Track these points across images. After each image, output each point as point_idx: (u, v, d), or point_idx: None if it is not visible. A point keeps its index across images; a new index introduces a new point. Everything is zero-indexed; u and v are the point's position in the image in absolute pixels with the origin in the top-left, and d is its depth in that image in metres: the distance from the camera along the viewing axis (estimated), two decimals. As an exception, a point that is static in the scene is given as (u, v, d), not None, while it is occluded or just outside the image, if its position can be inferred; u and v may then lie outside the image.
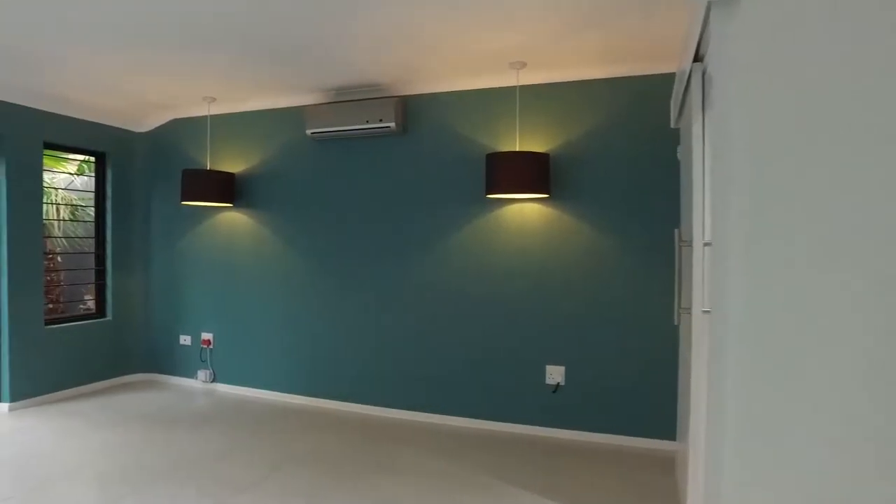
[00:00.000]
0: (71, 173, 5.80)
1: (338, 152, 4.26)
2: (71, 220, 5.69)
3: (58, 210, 5.68)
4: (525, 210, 3.75)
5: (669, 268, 3.14)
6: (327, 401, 4.32)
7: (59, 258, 5.45)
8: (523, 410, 3.77)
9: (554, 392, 3.70)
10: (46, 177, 5.98)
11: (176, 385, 4.89)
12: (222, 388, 4.74)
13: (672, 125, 2.95)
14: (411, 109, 4.03)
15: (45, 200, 5.76)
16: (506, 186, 3.42)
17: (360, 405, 4.22)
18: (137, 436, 3.64)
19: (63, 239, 5.59)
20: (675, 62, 2.82)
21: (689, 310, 2.06)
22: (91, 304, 4.97)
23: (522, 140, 3.70)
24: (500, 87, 3.76)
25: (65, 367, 4.50)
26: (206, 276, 4.79)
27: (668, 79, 3.07)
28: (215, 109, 4.60)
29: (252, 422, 3.96)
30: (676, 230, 2.47)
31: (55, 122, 4.39)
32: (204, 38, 3.10)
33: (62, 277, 5.65)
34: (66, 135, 4.49)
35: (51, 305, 5.53)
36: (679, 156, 2.94)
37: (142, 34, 3.03)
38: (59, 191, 5.89)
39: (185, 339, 4.90)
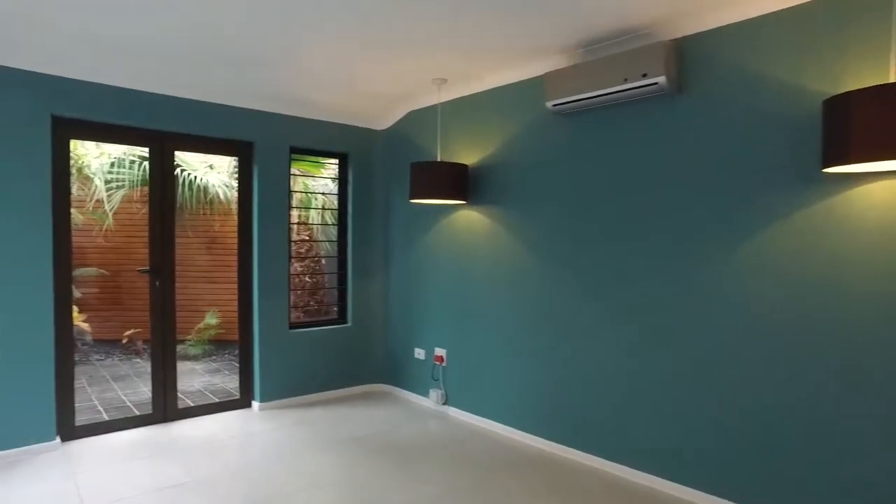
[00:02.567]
0: (332, 178, 6.00)
1: (587, 128, 3.28)
2: (319, 224, 5.87)
3: (307, 215, 5.92)
4: (900, 191, 2.23)
5: None
6: (571, 450, 3.36)
7: (310, 262, 5.64)
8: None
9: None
10: (305, 182, 6.38)
11: (409, 402, 4.50)
12: (454, 413, 4.16)
13: None
14: (689, 56, 2.83)
15: (299, 205, 6.20)
16: (869, 149, 2.00)
17: (616, 465, 3.15)
18: (363, 467, 3.22)
19: (317, 242, 5.79)
20: None
21: None
22: (335, 310, 4.91)
23: (896, 74, 2.18)
24: (848, -4, 2.32)
25: (307, 372, 4.45)
26: (439, 285, 4.28)
27: None
28: (446, 94, 4.05)
29: (480, 466, 3.23)
30: None
31: (300, 127, 4.37)
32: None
33: (310, 281, 5.86)
34: (310, 138, 4.44)
35: (300, 309, 5.78)
36: None
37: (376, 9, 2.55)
38: (315, 195, 6.15)
39: (419, 353, 4.47)
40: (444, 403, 4.23)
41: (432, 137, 4.21)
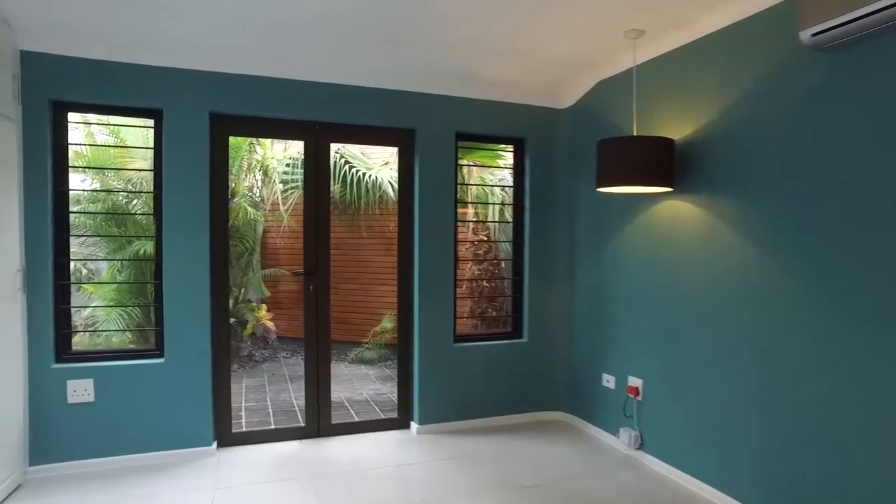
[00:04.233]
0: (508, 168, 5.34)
1: (869, 66, 2.09)
2: (497, 222, 5.24)
3: (485, 212, 5.32)
4: None
5: None
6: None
7: (481, 266, 5.05)
8: None
9: None
10: (482, 175, 5.81)
11: (594, 440, 3.62)
12: (651, 462, 3.18)
13: None
14: None
15: (475, 200, 5.64)
16: None
17: None
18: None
19: (497, 243, 5.17)
20: None
21: None
22: (509, 321, 4.23)
23: None
24: None
25: (473, 394, 3.84)
26: (636, 297, 3.34)
27: None
28: (643, 53, 3.10)
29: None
30: None
31: (467, 109, 3.77)
32: None
33: (488, 286, 5.24)
34: (479, 122, 3.82)
35: (476, 317, 5.21)
36: None
37: None
38: (493, 189, 5.55)
39: (608, 380, 3.57)
40: (637, 447, 3.28)
41: (626, 111, 3.28)
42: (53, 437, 2.99)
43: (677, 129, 2.97)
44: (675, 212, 3.03)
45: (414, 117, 3.66)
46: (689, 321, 2.94)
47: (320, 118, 3.47)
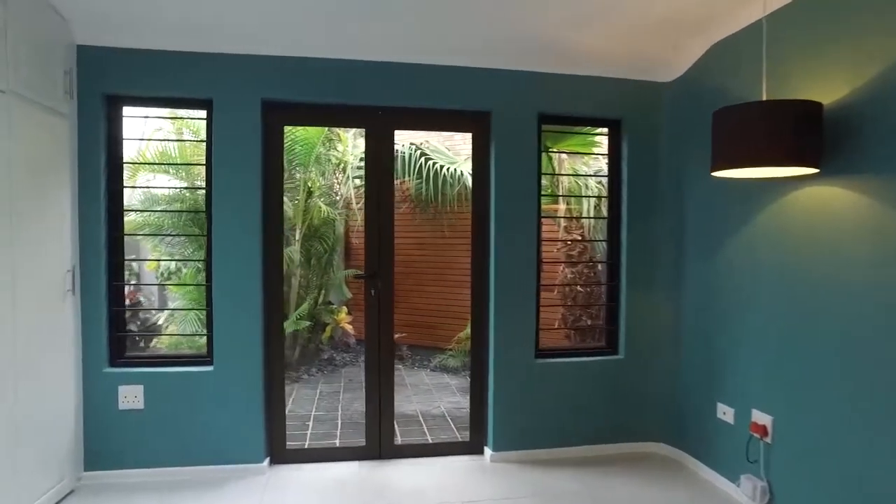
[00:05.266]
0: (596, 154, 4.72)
1: None
2: (585, 218, 4.61)
3: (578, 208, 4.71)
4: None
5: None
6: None
7: (574, 268, 4.46)
8: None
9: None
10: (573, 165, 5.18)
11: (705, 483, 2.94)
12: (786, 526, 2.48)
13: None
14: None
15: (566, 193, 5.03)
16: None
17: None
18: None
19: (592, 242, 4.57)
20: None
21: None
22: (602, 334, 3.63)
23: None
24: None
25: (558, 418, 3.29)
26: (764, 309, 2.63)
27: None
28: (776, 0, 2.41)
29: None
30: None
31: (551, 86, 3.23)
32: None
33: (582, 291, 4.63)
34: (566, 101, 3.27)
35: (568, 325, 4.63)
36: None
37: None
38: (587, 179, 4.95)
39: (724, 412, 2.88)
40: (766, 502, 2.58)
41: (751, 77, 2.57)
42: (105, 443, 2.87)
43: (827, 90, 2.24)
44: (821, 201, 2.31)
45: (489, 98, 3.19)
46: (843, 346, 2.21)
47: (383, 102, 3.11)
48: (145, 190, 5.06)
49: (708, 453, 3.02)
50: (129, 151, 4.65)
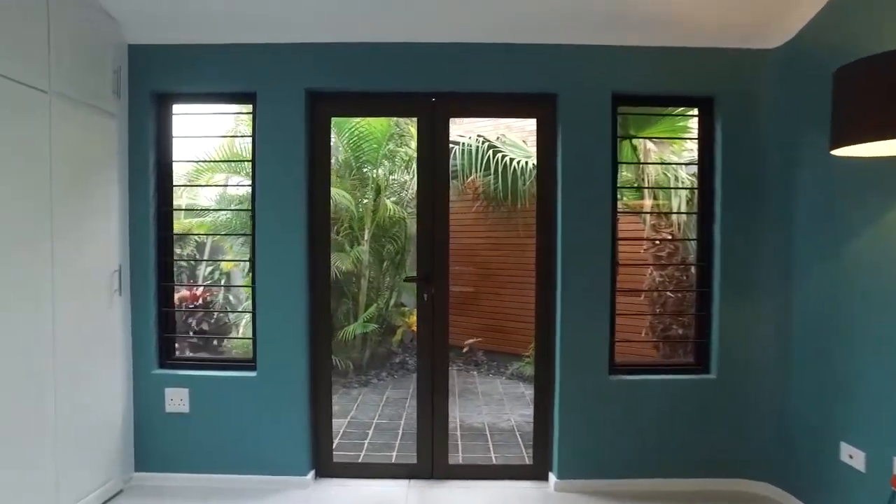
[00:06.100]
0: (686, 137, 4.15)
1: None
2: (672, 213, 4.07)
3: (667, 203, 4.18)
4: None
5: None
6: None
7: (664, 271, 3.94)
8: None
9: None
10: (661, 155, 4.63)
11: (824, 540, 2.39)
12: None
13: None
14: None
15: (653, 185, 4.46)
16: None
17: None
18: None
19: (681, 242, 4.04)
20: None
21: None
22: (690, 349, 3.12)
23: None
24: None
25: (636, 445, 2.84)
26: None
27: None
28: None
29: None
30: None
31: (627, 61, 2.79)
32: None
33: (671, 297, 4.09)
34: (645, 77, 2.81)
35: (655, 334, 4.12)
36: None
37: None
38: (678, 168, 4.41)
39: (850, 454, 2.31)
40: (908, 577, 2.01)
41: (881, 32, 2.02)
42: (153, 445, 2.83)
43: None
44: None
45: (555, 78, 2.81)
46: None
47: (436, 88, 2.83)
48: (222, 190, 5.16)
49: (825, 501, 2.46)
50: (198, 151, 4.75)
